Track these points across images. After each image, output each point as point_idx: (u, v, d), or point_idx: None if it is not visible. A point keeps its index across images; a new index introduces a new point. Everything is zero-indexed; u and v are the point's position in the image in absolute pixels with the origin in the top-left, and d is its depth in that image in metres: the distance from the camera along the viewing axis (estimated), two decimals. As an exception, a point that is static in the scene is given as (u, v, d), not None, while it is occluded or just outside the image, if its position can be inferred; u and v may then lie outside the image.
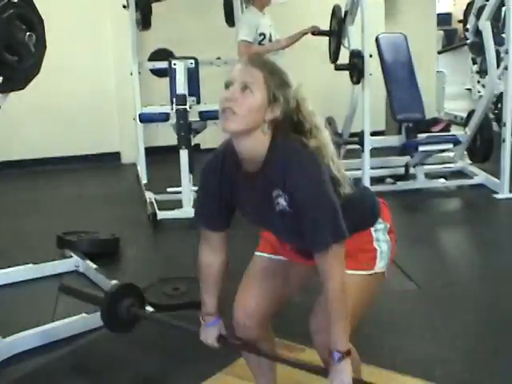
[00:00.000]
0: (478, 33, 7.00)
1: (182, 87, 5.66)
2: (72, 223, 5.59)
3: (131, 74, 6.85)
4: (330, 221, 2.18)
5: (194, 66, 5.81)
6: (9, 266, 4.56)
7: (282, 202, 2.23)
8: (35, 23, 3.56)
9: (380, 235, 2.44)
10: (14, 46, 3.41)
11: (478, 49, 7.53)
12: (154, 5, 6.97)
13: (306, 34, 6.09)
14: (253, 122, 2.20)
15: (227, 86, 2.23)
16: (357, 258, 2.40)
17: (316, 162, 2.20)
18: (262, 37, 5.86)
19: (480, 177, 6.67)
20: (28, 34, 3.47)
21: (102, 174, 7.64)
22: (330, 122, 6.68)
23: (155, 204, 5.90)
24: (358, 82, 6.38)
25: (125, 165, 7.97)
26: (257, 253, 2.63)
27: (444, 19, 14.22)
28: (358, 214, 2.38)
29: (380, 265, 2.45)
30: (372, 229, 2.43)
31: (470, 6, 8.29)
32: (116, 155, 8.02)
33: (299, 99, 2.27)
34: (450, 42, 14.93)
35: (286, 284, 2.58)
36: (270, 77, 2.21)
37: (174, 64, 5.77)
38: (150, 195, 6.13)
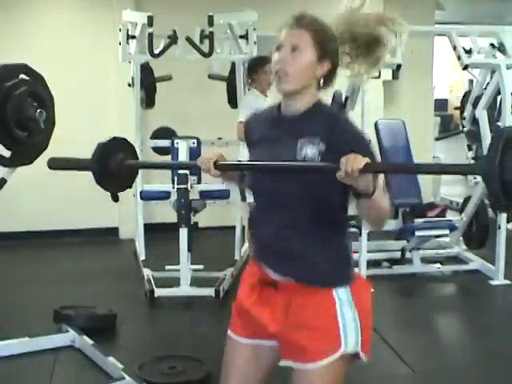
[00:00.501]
0: (474, 121, 7.15)
1: (184, 166, 5.76)
2: (69, 297, 5.60)
3: (133, 151, 6.91)
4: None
5: (196, 145, 5.93)
6: (4, 339, 4.55)
7: (309, 150, 2.32)
8: (46, 100, 3.66)
9: (345, 309, 2.37)
10: (25, 122, 3.51)
11: (474, 136, 7.68)
12: (158, 84, 7.09)
13: None
14: (305, 80, 2.36)
15: (278, 49, 2.37)
16: (316, 340, 2.35)
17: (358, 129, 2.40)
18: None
19: (475, 263, 6.71)
20: (39, 110, 3.57)
21: (99, 249, 7.65)
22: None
23: (153, 281, 5.92)
24: (356, 167, 6.47)
25: (122, 240, 7.99)
26: (229, 331, 2.61)
27: (440, 105, 14.49)
28: (333, 254, 2.43)
29: (348, 343, 2.35)
30: (334, 294, 2.38)
31: (467, 94, 8.48)
32: (114, 230, 8.04)
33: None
34: (446, 128, 15.17)
35: (261, 370, 2.56)
36: (316, 35, 2.36)
37: (177, 143, 5.89)
38: (147, 272, 6.15)
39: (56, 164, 3.05)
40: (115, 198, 2.95)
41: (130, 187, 2.93)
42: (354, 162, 2.08)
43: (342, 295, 2.38)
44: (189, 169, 2.72)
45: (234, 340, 2.59)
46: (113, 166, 2.74)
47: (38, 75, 3.67)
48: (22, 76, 3.58)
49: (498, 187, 1.97)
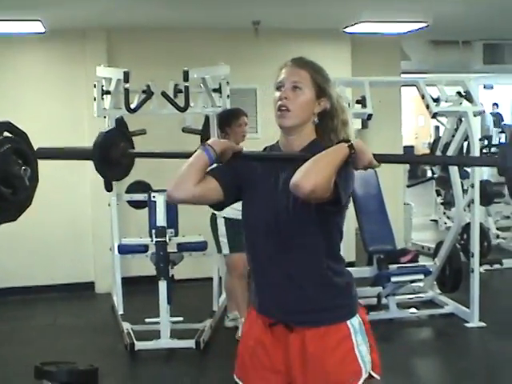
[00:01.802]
0: (444, 167, 7.30)
1: (161, 220, 5.81)
2: (48, 353, 5.58)
3: (109, 205, 6.94)
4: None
5: (172, 198, 5.97)
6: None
7: None
8: (30, 157, 3.69)
9: (359, 337, 2.54)
10: (10, 179, 3.53)
11: (444, 182, 7.83)
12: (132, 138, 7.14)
13: None
14: (305, 116, 2.54)
15: (278, 88, 2.54)
16: (339, 375, 2.51)
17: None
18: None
19: (450, 306, 6.80)
20: (23, 167, 3.60)
21: (76, 304, 7.62)
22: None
23: (132, 334, 5.92)
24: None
25: (99, 294, 7.96)
26: (235, 379, 2.71)
27: (407, 152, 14.71)
28: (344, 289, 2.55)
29: (366, 368, 2.55)
30: (349, 324, 2.53)
31: (436, 141, 8.69)
32: (90, 285, 8.02)
33: (337, 96, 2.62)
34: (414, 174, 15.39)
35: None
36: (315, 74, 2.55)
37: (154, 197, 5.94)
38: (127, 325, 6.15)
39: (44, 154, 3.16)
40: (109, 188, 3.03)
41: (127, 175, 3.08)
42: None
43: (354, 323, 2.55)
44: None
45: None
46: (114, 154, 2.86)
47: (21, 132, 3.70)
48: (6, 133, 3.61)
49: None
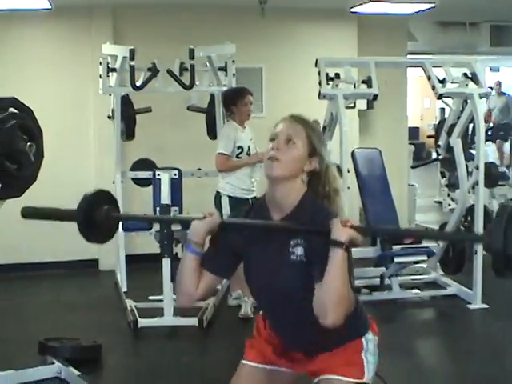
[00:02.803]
0: (449, 149, 7.29)
1: (165, 197, 5.82)
2: (52, 329, 5.58)
3: (113, 182, 6.95)
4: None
5: (177, 176, 5.98)
6: (-11, 372, 4.55)
7: (299, 251, 2.45)
8: (35, 134, 3.72)
9: (370, 346, 2.60)
10: (15, 154, 3.55)
11: (449, 164, 7.82)
12: (137, 115, 7.15)
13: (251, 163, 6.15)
14: (294, 170, 2.50)
15: (272, 139, 2.54)
16: (346, 368, 2.54)
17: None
18: (240, 150, 6.09)
19: (453, 288, 6.81)
20: (28, 143, 3.62)
21: (79, 281, 7.65)
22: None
23: (136, 311, 5.94)
24: (335, 195, 6.53)
25: (102, 272, 7.99)
26: (243, 361, 2.73)
27: (413, 133, 14.66)
28: (353, 317, 2.51)
29: (368, 376, 2.58)
30: (363, 339, 2.58)
31: (441, 123, 8.65)
32: (94, 262, 8.04)
33: (329, 162, 2.59)
34: (419, 155, 15.37)
35: None
36: (311, 132, 2.54)
37: (158, 174, 5.93)
38: (130, 303, 6.17)
39: (31, 214, 3.07)
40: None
41: (111, 238, 2.93)
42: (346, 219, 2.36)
43: (368, 337, 2.63)
44: (180, 223, 2.71)
45: (247, 365, 2.70)
46: (98, 217, 2.76)
47: (26, 108, 3.73)
48: (11, 109, 3.63)
49: (502, 261, 2.19)
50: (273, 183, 2.52)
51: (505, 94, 15.59)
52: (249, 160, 6.09)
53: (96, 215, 2.75)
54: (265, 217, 2.57)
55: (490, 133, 10.65)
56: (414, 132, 16.96)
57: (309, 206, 2.50)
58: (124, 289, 6.69)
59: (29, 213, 3.06)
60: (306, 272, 2.42)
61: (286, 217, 2.52)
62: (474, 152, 7.08)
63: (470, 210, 6.94)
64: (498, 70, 18.59)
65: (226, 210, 6.06)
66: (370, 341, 2.61)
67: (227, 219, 2.66)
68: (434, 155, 11.02)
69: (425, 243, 7.14)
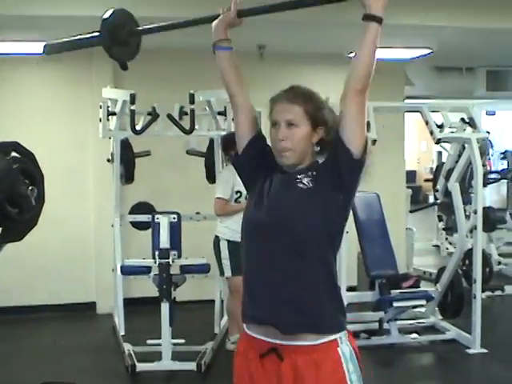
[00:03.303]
0: (446, 193, 7.33)
1: (165, 241, 5.82)
2: (49, 373, 5.59)
3: (112, 225, 6.95)
4: None
5: (176, 220, 5.98)
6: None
7: (306, 180, 2.54)
8: (37, 178, 3.73)
9: (350, 366, 2.49)
10: (17, 198, 3.55)
11: (447, 208, 7.85)
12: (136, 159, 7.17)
13: None
14: (304, 149, 2.58)
15: (273, 124, 2.58)
16: None
17: None
18: (239, 194, 6.10)
19: (451, 332, 6.79)
20: (30, 187, 3.63)
21: (77, 324, 7.62)
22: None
23: (134, 355, 5.91)
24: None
25: (100, 315, 7.97)
26: None
27: (409, 177, 14.72)
28: (334, 298, 2.56)
29: None
30: (339, 352, 2.49)
31: (439, 167, 8.71)
32: (91, 305, 8.02)
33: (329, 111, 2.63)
34: (415, 199, 15.40)
35: None
36: (307, 106, 2.56)
37: (158, 218, 5.94)
38: (128, 346, 6.14)
39: (54, 49, 3.14)
40: (125, 67, 3.03)
41: (137, 53, 3.07)
42: None
43: (345, 350, 2.51)
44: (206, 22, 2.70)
45: None
46: (121, 35, 2.86)
47: (28, 153, 3.74)
48: (14, 154, 3.65)
49: None
50: (288, 167, 2.61)
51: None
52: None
53: (119, 33, 2.85)
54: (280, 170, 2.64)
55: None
56: (411, 175, 17.03)
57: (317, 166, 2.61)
58: (122, 332, 6.65)
59: (51, 49, 3.14)
60: (310, 198, 2.51)
61: (301, 169, 2.59)
62: (471, 195, 7.10)
63: (469, 254, 6.95)
64: (494, 114, 18.72)
65: (225, 254, 6.07)
66: (347, 353, 2.51)
67: (244, 9, 2.65)
68: (431, 199, 11.10)
69: (423, 287, 7.15)
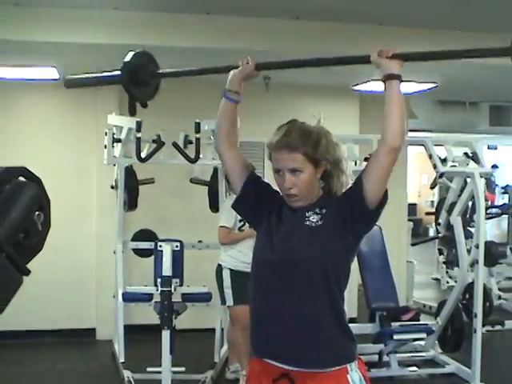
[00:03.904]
0: (448, 227, 7.35)
1: (167, 269, 5.81)
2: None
3: (114, 252, 6.95)
4: None
5: (179, 248, 5.99)
6: None
7: (315, 218, 2.58)
8: (44, 203, 3.74)
9: None
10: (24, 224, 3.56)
11: (448, 242, 7.86)
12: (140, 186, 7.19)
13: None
14: (312, 189, 2.63)
15: (277, 171, 2.62)
16: None
17: None
18: (242, 223, 6.12)
19: (451, 366, 6.78)
20: (37, 213, 3.64)
21: (76, 350, 7.60)
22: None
23: (133, 383, 5.89)
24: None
25: (100, 341, 7.95)
26: None
27: (410, 210, 14.73)
28: (342, 333, 2.59)
29: None
30: (349, 379, 2.53)
31: (441, 201, 8.73)
32: (91, 331, 8.01)
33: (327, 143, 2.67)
34: (416, 232, 15.41)
35: None
36: (305, 149, 2.59)
37: (160, 246, 5.95)
38: (127, 374, 6.13)
39: (74, 83, 3.17)
40: (133, 112, 3.05)
41: (155, 94, 3.16)
42: (385, 50, 2.46)
43: (354, 377, 2.55)
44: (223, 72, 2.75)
45: None
46: (142, 76, 2.94)
47: (36, 178, 3.76)
48: (21, 178, 3.66)
49: None
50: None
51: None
52: (251, 233, 6.11)
53: (140, 74, 2.93)
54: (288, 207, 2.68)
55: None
56: (411, 208, 16.98)
57: (329, 195, 2.67)
58: (121, 359, 6.63)
59: (71, 83, 3.18)
60: (319, 236, 2.55)
61: (309, 205, 2.64)
62: (472, 230, 7.11)
63: (469, 288, 6.95)
64: (496, 148, 18.78)
65: (227, 283, 6.08)
66: (356, 380, 2.56)
67: (262, 63, 2.76)
68: (432, 232, 11.12)
69: (423, 321, 7.14)
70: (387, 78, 2.46)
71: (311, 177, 2.61)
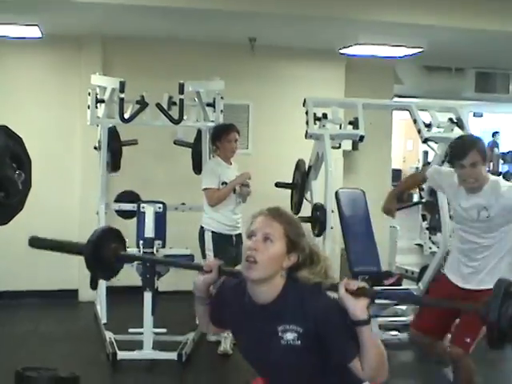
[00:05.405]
0: (431, 192, 7.35)
1: (150, 231, 5.82)
2: (29, 360, 5.55)
3: (97, 213, 6.92)
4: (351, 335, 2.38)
5: (161, 210, 5.98)
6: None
7: (289, 336, 2.44)
8: (24, 162, 3.72)
9: None
10: (4, 182, 3.55)
11: (431, 207, 7.86)
12: (123, 148, 7.15)
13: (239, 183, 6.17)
14: (272, 270, 2.45)
15: (249, 236, 2.47)
16: None
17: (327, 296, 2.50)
18: (224, 185, 6.08)
19: (432, 330, 6.81)
20: (17, 172, 3.63)
21: (58, 311, 7.59)
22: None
23: (115, 344, 5.91)
24: (319, 235, 6.53)
25: (82, 303, 7.94)
26: None
27: (395, 175, 14.79)
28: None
29: None
30: None
31: (425, 167, 8.73)
32: (73, 293, 7.99)
33: (312, 247, 2.56)
34: (400, 198, 15.44)
35: None
36: (288, 228, 2.48)
37: (143, 207, 5.94)
38: (109, 335, 6.14)
39: (39, 244, 3.04)
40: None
41: (115, 276, 2.92)
42: (352, 283, 2.39)
43: None
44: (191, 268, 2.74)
45: None
46: (106, 254, 2.77)
47: (17, 137, 3.74)
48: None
49: (497, 334, 2.23)
50: (251, 283, 2.50)
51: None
52: (238, 180, 6.09)
53: (105, 251, 2.76)
54: (247, 304, 2.56)
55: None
56: (396, 174, 17.05)
57: (293, 292, 2.49)
58: (104, 320, 6.65)
59: (36, 243, 3.05)
60: (302, 356, 2.47)
61: (268, 304, 2.50)
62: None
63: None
64: (482, 116, 18.82)
65: (209, 244, 6.06)
66: None
67: (226, 268, 2.66)
68: (416, 198, 11.11)
69: (405, 285, 7.17)
70: (356, 325, 2.37)
71: (279, 255, 2.47)
